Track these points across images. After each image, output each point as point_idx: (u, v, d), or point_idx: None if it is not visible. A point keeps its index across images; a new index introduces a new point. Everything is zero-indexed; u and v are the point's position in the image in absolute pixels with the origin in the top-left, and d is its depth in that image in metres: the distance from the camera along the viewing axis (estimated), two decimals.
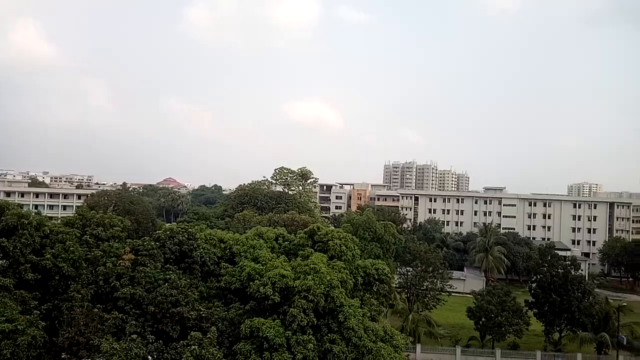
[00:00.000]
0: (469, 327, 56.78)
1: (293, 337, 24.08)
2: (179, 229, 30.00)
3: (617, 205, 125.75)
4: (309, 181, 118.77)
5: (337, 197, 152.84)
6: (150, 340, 22.37)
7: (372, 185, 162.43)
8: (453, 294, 67.88)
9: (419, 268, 59.43)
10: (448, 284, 63.13)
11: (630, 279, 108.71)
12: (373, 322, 27.13)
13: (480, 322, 52.04)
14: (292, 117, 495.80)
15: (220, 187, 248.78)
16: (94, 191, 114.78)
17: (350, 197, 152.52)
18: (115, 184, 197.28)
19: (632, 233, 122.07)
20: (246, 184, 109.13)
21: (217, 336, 23.01)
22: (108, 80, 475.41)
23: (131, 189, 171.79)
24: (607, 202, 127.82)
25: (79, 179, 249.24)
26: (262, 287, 25.05)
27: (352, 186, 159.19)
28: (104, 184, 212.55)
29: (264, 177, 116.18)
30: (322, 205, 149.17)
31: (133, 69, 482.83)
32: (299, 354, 23.58)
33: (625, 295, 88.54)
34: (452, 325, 62.52)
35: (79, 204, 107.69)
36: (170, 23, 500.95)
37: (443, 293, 60.96)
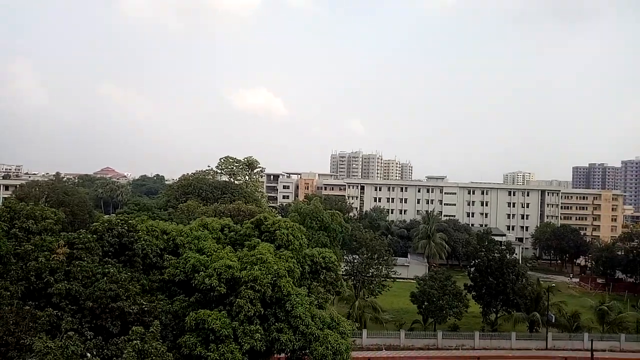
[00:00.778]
0: (413, 312, 58.75)
1: (240, 327, 23.81)
2: (118, 220, 28.64)
3: (548, 193, 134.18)
4: (255, 171, 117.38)
5: (284, 187, 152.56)
6: (89, 337, 21.34)
7: (319, 175, 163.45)
8: (397, 280, 69.76)
9: (364, 255, 60.59)
10: (393, 270, 64.85)
11: (559, 262, 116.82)
12: (320, 310, 27.33)
13: (423, 306, 53.98)
14: (236, 105, 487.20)
15: (163, 177, 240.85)
16: (23, 182, 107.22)
17: (297, 186, 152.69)
18: (47, 174, 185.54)
19: (560, 218, 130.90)
20: (190, 173, 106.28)
21: (161, 330, 22.30)
22: (35, 63, 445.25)
23: (65, 179, 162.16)
24: (539, 189, 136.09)
25: (6, 169, 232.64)
26: (207, 279, 24.51)
27: (299, 176, 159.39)
28: (34, 174, 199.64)
29: (208, 166, 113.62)
30: (270, 195, 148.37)
31: (63, 52, 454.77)
32: (246, 344, 23.37)
33: (554, 277, 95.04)
34: (396, 310, 64.42)
35: (6, 196, 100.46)
36: (104, 3, 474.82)
37: (388, 279, 62.58)
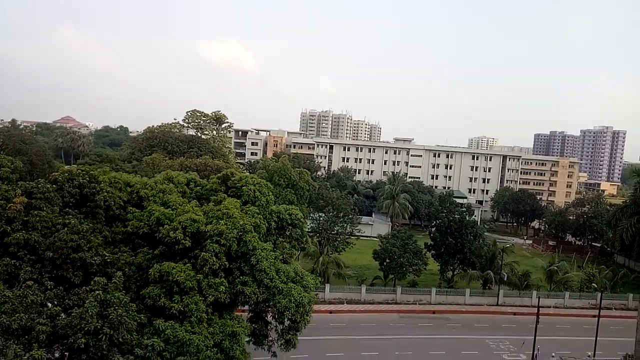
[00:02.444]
0: (374, 268, 60.80)
1: (204, 280, 24.04)
2: (80, 171, 27.73)
3: (509, 158, 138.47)
4: (223, 126, 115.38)
5: (252, 144, 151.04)
6: (49, 287, 21.06)
7: (288, 133, 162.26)
8: (361, 238, 71.73)
9: (330, 214, 61.64)
10: (357, 228, 66.47)
11: (515, 224, 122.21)
12: (285, 265, 27.83)
13: (385, 263, 55.89)
14: (204, 57, 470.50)
15: (127, 128, 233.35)
16: None
17: (266, 143, 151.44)
18: (2, 120, 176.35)
19: (519, 183, 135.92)
20: (156, 126, 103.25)
21: (124, 281, 22.26)
22: None
23: (22, 127, 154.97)
24: (501, 155, 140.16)
25: None
26: (172, 232, 24.39)
27: (268, 133, 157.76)
28: None
29: (175, 119, 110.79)
30: (237, 151, 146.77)
31: None
32: (210, 296, 23.69)
33: (510, 238, 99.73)
34: (359, 267, 66.46)
35: None
36: None
37: (352, 237, 64.21)
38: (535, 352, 34.87)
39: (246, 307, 28.52)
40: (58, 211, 24.99)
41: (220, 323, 24.22)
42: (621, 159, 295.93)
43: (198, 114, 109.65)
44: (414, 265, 54.67)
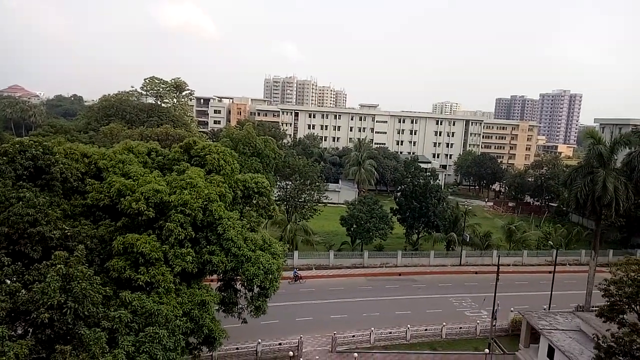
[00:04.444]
0: (342, 234, 61.65)
1: (170, 250, 23.69)
2: (32, 142, 26.35)
3: (472, 123, 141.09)
4: (184, 93, 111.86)
5: (215, 111, 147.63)
6: (6, 263, 20.24)
7: (252, 100, 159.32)
8: (329, 205, 72.24)
9: (297, 181, 61.56)
10: (324, 195, 66.78)
11: (477, 187, 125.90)
12: (252, 233, 27.73)
13: (352, 229, 56.69)
14: (162, 22, 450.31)
15: (81, 97, 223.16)
16: None
17: (229, 111, 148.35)
18: None
19: (481, 147, 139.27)
20: (112, 94, 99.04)
21: (87, 254, 21.63)
22: None
23: None
24: (464, 119, 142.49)
25: None
26: (134, 203, 23.72)
27: (231, 100, 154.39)
28: None
29: (132, 87, 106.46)
30: (200, 119, 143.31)
31: None
32: (177, 267, 23.42)
33: (472, 201, 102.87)
34: (327, 233, 67.28)
35: None
36: None
37: (319, 204, 64.55)
38: (495, 308, 36.60)
39: (215, 276, 28.45)
40: (11, 185, 23.78)
41: (189, 293, 24.09)
42: (577, 121, 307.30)
43: (157, 82, 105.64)
44: (380, 229, 55.70)
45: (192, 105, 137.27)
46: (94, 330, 18.22)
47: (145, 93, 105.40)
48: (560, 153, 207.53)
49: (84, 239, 23.24)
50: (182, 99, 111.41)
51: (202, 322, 23.27)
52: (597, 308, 30.37)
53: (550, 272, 47.81)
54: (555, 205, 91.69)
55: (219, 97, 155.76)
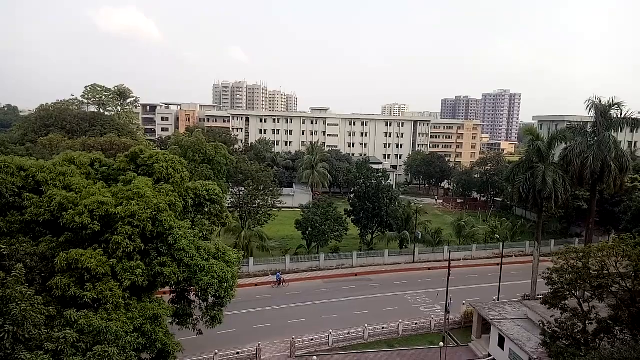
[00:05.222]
0: (298, 238, 61.55)
1: (119, 264, 22.74)
2: None
3: (420, 123, 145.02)
4: (128, 101, 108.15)
5: (163, 119, 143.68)
6: None
7: (201, 106, 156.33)
8: (283, 209, 71.94)
9: (250, 187, 60.93)
10: (278, 200, 66.43)
11: (427, 185, 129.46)
12: (205, 242, 27.13)
13: (307, 232, 56.75)
14: (101, 27, 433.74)
15: (16, 107, 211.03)
16: None
17: (177, 118, 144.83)
18: None
19: (429, 147, 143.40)
20: (50, 103, 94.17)
21: (26, 273, 20.36)
22: None
23: None
24: (412, 120, 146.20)
25: None
26: (77, 217, 22.59)
27: (179, 107, 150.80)
28: None
29: (72, 95, 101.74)
30: (146, 127, 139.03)
31: None
32: (126, 281, 22.51)
33: (423, 199, 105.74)
34: (282, 238, 66.95)
35: None
36: None
37: (274, 209, 64.16)
38: (447, 302, 37.73)
39: (167, 288, 27.59)
40: None
41: (140, 307, 23.21)
42: (518, 119, 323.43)
43: (99, 89, 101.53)
44: (335, 231, 56.11)
45: (138, 113, 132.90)
46: (36, 353, 17.17)
47: (86, 101, 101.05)
48: (503, 150, 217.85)
49: (22, 257, 21.88)
50: (127, 107, 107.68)
51: (154, 337, 22.47)
52: (541, 296, 31.95)
53: (498, 264, 49.87)
54: (500, 200, 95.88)
55: (166, 104, 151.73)
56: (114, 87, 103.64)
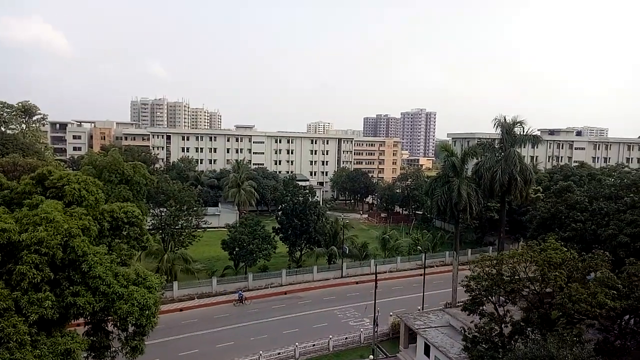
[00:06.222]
0: (224, 258, 59.93)
1: (24, 297, 20.60)
2: None
3: (344, 141, 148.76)
4: (35, 118, 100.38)
5: (75, 137, 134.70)
6: None
7: (117, 124, 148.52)
8: (208, 230, 69.77)
9: (173, 207, 58.53)
10: (203, 220, 64.43)
11: (352, 201, 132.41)
12: (124, 268, 25.44)
13: (234, 252, 55.45)
14: (1, 37, 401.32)
15: None
16: None
17: (91, 136, 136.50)
18: None
19: (353, 163, 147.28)
20: None
21: None
22: None
23: None
24: (336, 138, 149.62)
25: None
26: None
27: (93, 124, 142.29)
28: None
29: None
30: (56, 146, 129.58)
31: None
32: (33, 315, 20.41)
33: (349, 214, 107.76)
34: (208, 259, 64.85)
35: None
36: None
37: (198, 229, 62.06)
38: (375, 315, 38.46)
39: (82, 319, 25.44)
40: None
41: (50, 342, 21.14)
42: (434, 136, 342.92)
43: (0, 106, 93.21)
44: (263, 250, 55.31)
45: (46, 131, 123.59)
46: None
47: None
48: (421, 165, 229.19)
49: None
50: (33, 125, 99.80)
51: None
52: (462, 303, 33.60)
53: (421, 275, 51.88)
54: (421, 213, 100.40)
55: (78, 122, 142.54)
56: (17, 104, 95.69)
